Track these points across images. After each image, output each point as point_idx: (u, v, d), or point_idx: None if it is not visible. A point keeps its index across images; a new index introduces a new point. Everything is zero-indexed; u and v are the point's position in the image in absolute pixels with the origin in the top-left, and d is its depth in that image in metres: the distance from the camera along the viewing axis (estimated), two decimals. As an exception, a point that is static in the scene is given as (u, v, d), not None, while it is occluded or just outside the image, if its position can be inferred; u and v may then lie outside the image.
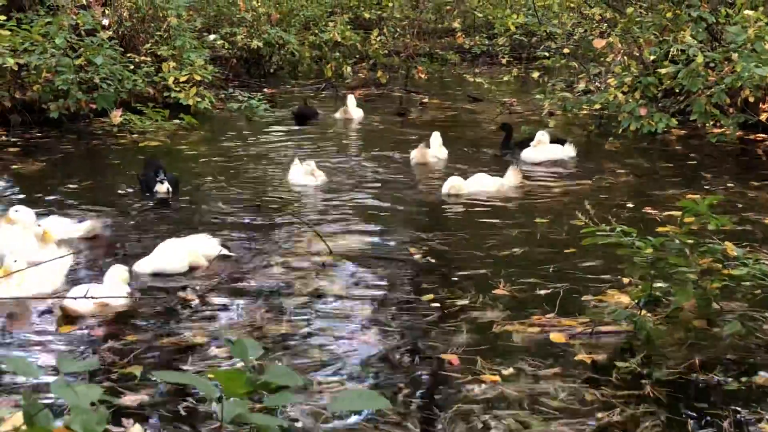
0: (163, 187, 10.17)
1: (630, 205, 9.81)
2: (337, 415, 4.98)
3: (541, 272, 7.47)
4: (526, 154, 12.41)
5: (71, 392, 1.73)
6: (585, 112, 14.95)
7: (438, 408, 5.14)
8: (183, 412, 5.15)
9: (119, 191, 10.74)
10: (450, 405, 5.16)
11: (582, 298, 6.86)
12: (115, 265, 7.20)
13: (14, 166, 11.98)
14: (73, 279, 7.45)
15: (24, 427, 1.83)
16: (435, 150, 12.49)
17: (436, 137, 12.60)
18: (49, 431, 1.75)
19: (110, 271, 7.10)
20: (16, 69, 14.11)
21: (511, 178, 10.73)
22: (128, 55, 15.73)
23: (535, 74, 18.46)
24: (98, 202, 10.05)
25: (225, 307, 6.90)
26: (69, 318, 6.66)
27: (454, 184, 10.33)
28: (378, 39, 21.36)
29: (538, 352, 5.86)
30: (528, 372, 5.57)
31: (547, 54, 18.43)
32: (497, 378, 5.47)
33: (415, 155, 12.30)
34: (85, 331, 6.46)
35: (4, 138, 13.79)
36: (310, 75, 21.13)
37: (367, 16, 23.73)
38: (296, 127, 15.14)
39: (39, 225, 8.24)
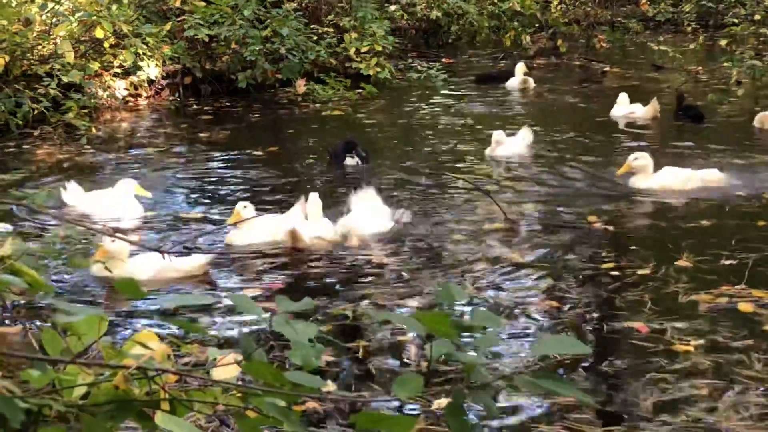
0: (352, 161, 10.37)
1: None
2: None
3: (727, 244, 7.25)
4: None
5: (291, 329, 1.87)
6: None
7: (630, 376, 5.12)
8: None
9: (306, 161, 11.02)
10: (642, 373, 5.12)
11: (772, 270, 6.65)
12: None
13: (202, 134, 12.53)
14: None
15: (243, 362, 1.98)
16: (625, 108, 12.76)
17: (624, 97, 12.79)
18: (268, 364, 1.89)
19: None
20: (207, 40, 14.73)
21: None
22: (312, 26, 16.11)
23: (723, 42, 17.76)
24: (283, 170, 10.39)
25: (405, 273, 7.02)
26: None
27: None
28: (558, 7, 21.06)
29: (727, 323, 5.74)
30: (719, 341, 5.47)
31: (735, 21, 17.72)
32: (689, 348, 5.38)
33: (648, 109, 12.59)
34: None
35: (195, 107, 14.48)
36: (489, 45, 21.03)
37: (547, -16, 23.38)
38: (475, 98, 15.11)
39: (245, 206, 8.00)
